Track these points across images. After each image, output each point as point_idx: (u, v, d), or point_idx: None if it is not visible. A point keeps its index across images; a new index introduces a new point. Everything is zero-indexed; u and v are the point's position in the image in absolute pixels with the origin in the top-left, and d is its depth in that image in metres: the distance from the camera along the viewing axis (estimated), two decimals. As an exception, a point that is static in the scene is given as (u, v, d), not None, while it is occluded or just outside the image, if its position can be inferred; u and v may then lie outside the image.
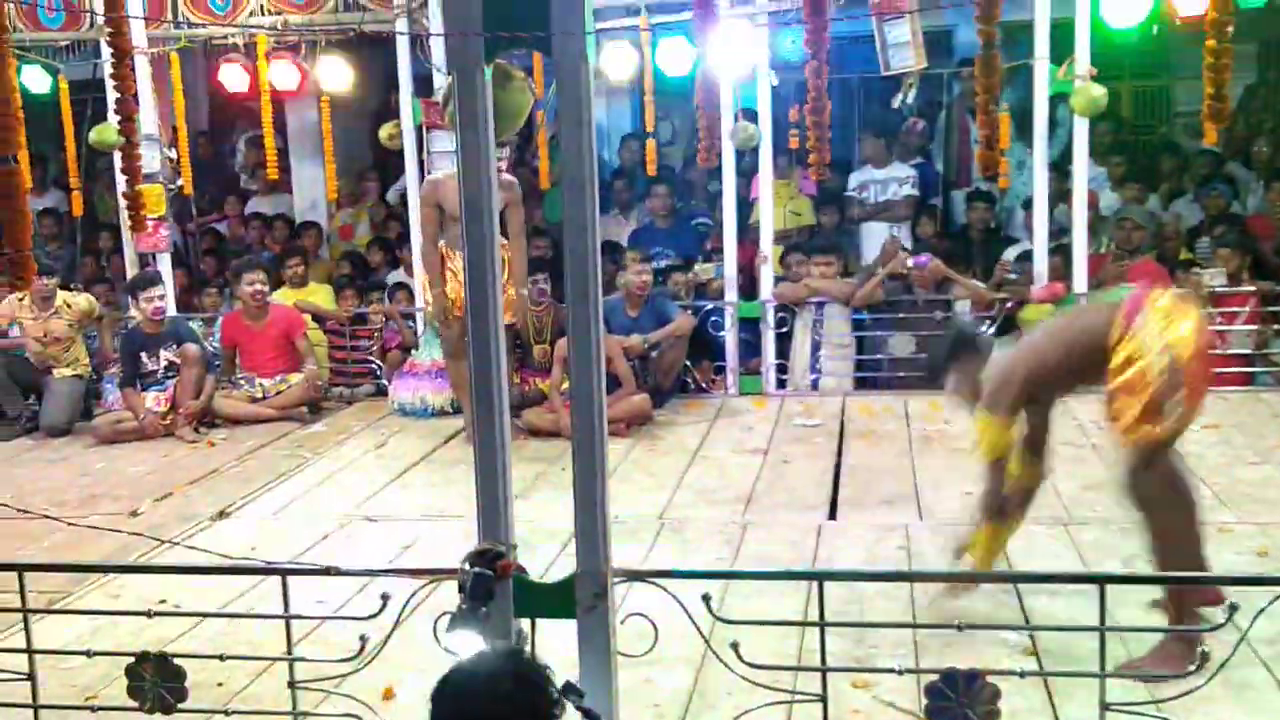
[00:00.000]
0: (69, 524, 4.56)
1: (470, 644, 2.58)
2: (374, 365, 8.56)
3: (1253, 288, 7.50)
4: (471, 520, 2.88)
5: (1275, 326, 7.53)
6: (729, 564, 4.89)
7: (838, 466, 6.29)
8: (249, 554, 5.04)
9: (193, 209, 9.53)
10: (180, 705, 3.09)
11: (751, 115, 7.94)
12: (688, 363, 7.96)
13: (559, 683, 2.35)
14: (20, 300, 8.06)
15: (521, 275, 7.02)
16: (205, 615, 4.12)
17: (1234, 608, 2.66)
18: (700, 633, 2.90)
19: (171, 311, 8.16)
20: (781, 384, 8.08)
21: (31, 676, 3.26)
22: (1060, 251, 7.73)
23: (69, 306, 8.19)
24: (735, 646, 2.85)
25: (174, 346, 7.84)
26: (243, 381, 8.04)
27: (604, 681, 2.79)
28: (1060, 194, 7.96)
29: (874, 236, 8.71)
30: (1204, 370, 3.78)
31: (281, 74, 8.43)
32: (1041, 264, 7.63)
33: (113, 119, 7.55)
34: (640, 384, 7.36)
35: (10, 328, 8.17)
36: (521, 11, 2.72)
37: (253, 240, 9.86)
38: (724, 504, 5.78)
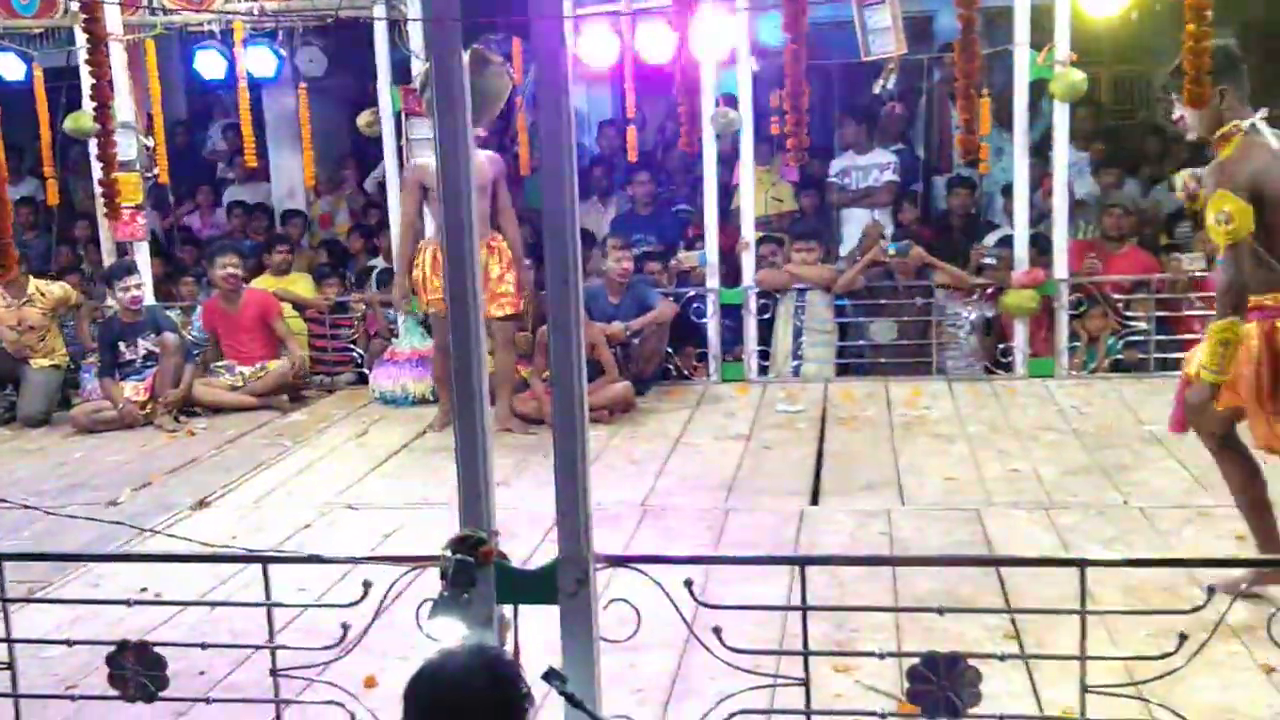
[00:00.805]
0: (48, 513, 4.53)
1: (452, 631, 2.58)
2: (355, 354, 8.54)
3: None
4: (453, 508, 2.87)
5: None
6: (711, 549, 4.91)
7: (819, 452, 6.31)
8: (230, 542, 5.00)
9: (169, 197, 9.45)
10: (161, 694, 3.08)
11: (732, 101, 7.94)
12: (670, 349, 7.96)
13: (541, 669, 2.35)
14: (-8, 289, 8.00)
15: (519, 251, 7.05)
16: (186, 604, 4.12)
17: (1212, 590, 2.69)
18: (683, 618, 2.90)
19: (150, 300, 8.11)
20: (763, 370, 8.09)
21: (11, 666, 3.24)
22: (1038, 239, 7.75)
23: (43, 295, 8.13)
24: (718, 631, 2.86)
25: (152, 336, 7.80)
26: (222, 370, 8.01)
27: (587, 667, 2.79)
28: (1037, 180, 7.97)
29: (855, 222, 8.72)
30: None
31: (259, 60, 8.37)
32: (1022, 249, 7.65)
33: (88, 106, 7.53)
34: (622, 371, 7.37)
35: (-17, 317, 8.10)
36: (500, -4, 2.71)
37: (234, 229, 9.80)
38: (706, 490, 5.79)
